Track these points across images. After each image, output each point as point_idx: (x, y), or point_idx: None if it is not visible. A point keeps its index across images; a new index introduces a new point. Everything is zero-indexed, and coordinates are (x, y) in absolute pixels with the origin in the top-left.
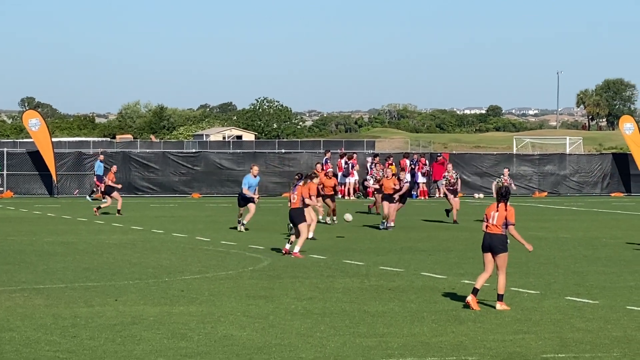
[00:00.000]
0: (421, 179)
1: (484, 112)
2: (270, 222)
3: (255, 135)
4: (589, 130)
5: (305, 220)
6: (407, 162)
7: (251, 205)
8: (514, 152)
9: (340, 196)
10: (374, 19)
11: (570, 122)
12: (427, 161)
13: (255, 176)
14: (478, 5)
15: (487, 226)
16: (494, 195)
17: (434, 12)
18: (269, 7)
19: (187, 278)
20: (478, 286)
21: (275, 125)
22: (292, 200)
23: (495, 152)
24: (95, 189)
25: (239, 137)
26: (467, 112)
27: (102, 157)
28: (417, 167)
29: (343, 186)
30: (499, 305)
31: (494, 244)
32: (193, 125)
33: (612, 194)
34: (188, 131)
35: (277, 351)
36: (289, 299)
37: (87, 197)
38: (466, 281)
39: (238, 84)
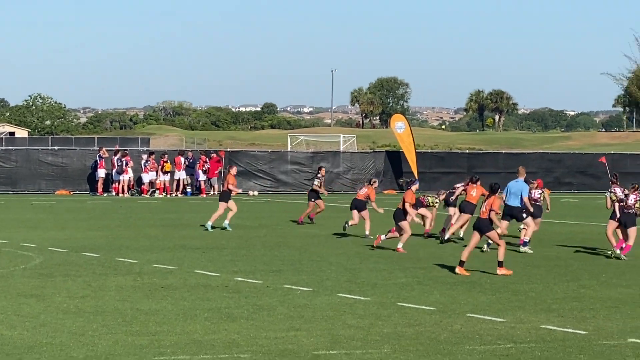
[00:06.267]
0: (202, 177)
1: (259, 109)
2: (43, 220)
3: (29, 132)
4: (362, 128)
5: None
6: (182, 159)
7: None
8: (289, 149)
9: (114, 193)
10: (149, 16)
11: (345, 120)
12: (207, 159)
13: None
14: (253, 2)
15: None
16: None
17: (208, 9)
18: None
19: None
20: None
21: (48, 122)
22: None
23: (270, 150)
24: None
25: (12, 133)
26: (243, 109)
27: None
28: (197, 164)
29: (117, 183)
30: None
31: (481, 226)
32: None
33: (385, 192)
34: None
35: (48, 350)
36: (61, 297)
37: None
38: (239, 278)
39: (10, 80)
